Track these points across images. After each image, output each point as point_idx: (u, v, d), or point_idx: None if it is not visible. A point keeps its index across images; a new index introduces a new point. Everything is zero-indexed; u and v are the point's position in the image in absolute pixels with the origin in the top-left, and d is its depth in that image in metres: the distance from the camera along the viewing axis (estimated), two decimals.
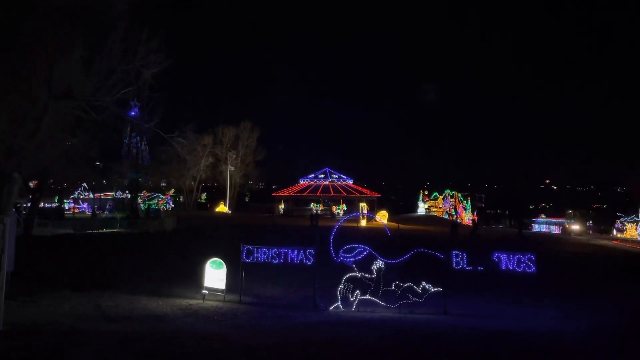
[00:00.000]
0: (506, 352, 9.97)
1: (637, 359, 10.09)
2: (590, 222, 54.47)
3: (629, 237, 47.79)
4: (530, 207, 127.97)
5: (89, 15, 18.85)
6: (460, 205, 75.88)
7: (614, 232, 51.05)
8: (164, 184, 79.08)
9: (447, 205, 76.63)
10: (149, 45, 21.93)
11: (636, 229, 48.31)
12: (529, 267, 13.81)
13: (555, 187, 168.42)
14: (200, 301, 15.11)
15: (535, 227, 56.18)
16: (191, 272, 17.54)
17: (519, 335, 11.50)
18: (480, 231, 42.05)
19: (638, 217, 48.38)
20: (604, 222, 57.66)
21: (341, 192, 66.16)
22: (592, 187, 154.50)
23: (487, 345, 10.56)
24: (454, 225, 41.73)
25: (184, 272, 18.65)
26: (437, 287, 14.22)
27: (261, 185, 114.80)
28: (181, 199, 77.09)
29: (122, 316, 12.79)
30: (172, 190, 71.68)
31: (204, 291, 15.48)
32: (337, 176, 70.68)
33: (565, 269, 23.95)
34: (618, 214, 54.40)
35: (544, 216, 68.85)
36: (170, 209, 62.59)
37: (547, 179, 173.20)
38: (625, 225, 50.46)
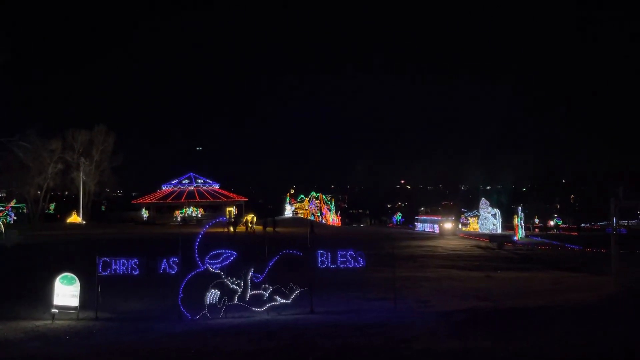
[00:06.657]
0: (369, 342, 10.51)
1: (473, 332, 11.21)
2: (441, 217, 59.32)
3: (472, 230, 53.40)
4: (388, 205, 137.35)
5: None
6: (325, 206, 78.64)
7: (460, 226, 56.29)
8: (3, 195, 70.37)
9: (313, 206, 78.88)
10: None
11: (477, 222, 54.18)
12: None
13: (409, 187, 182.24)
14: (49, 321, 13.72)
15: (419, 227, 56.82)
16: (38, 290, 15.79)
17: (380, 326, 12.17)
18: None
19: (479, 212, 54.27)
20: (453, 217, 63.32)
21: (207, 197, 64.64)
22: (440, 185, 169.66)
23: (351, 338, 11.03)
24: (312, 226, 43.97)
25: (28, 290, 16.70)
26: (304, 287, 14.53)
27: (119, 192, 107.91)
28: (25, 211, 69.28)
29: None
30: (14, 201, 64.02)
31: (53, 310, 14.06)
32: (202, 181, 68.90)
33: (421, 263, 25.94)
34: (462, 209, 60.49)
35: (400, 214, 73.68)
36: (11, 222, 55.90)
37: (402, 179, 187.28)
38: (469, 220, 56.27)
